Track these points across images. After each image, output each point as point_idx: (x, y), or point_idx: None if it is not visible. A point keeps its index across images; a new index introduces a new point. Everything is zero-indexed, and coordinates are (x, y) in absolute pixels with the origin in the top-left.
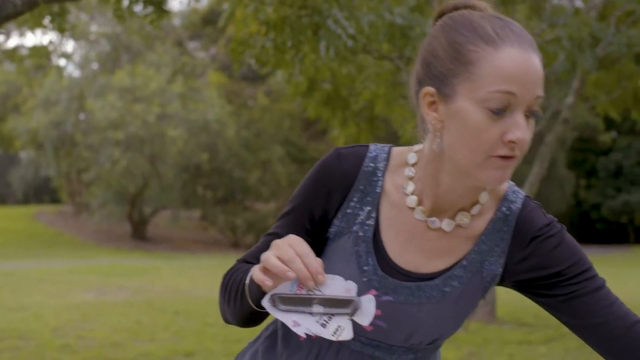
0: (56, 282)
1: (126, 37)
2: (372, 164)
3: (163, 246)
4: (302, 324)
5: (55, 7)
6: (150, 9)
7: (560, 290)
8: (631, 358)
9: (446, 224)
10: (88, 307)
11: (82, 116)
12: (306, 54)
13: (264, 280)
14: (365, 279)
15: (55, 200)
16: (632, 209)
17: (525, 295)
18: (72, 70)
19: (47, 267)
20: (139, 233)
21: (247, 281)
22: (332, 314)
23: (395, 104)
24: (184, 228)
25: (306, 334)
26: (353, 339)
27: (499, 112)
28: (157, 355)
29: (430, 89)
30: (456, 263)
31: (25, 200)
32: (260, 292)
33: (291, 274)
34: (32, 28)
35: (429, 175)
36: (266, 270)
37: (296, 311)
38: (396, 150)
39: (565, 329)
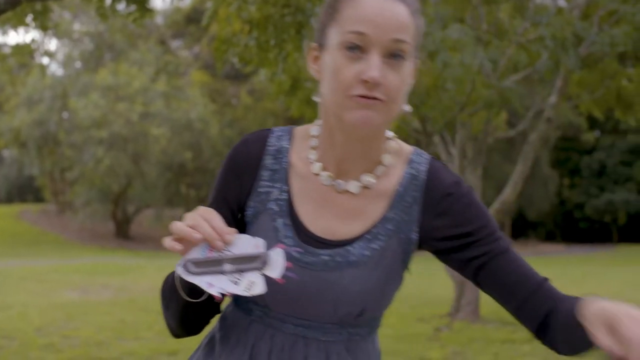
0: (40, 281)
1: (109, 36)
2: (276, 143)
3: (147, 245)
4: (216, 285)
5: (38, 6)
6: (133, 7)
7: (474, 251)
8: (543, 312)
9: (352, 186)
10: (72, 306)
11: (65, 115)
12: (289, 52)
13: (174, 246)
14: (287, 250)
15: (38, 199)
16: (615, 208)
17: (446, 263)
18: (55, 69)
19: (30, 266)
20: (123, 232)
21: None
22: (243, 271)
23: None
24: (167, 227)
25: (220, 294)
26: (284, 321)
27: (353, 50)
28: (141, 354)
29: (313, 44)
30: (372, 226)
31: (9, 199)
32: (185, 281)
33: (197, 235)
34: (14, 26)
35: (327, 138)
36: (177, 240)
37: (209, 272)
38: (300, 127)
39: None
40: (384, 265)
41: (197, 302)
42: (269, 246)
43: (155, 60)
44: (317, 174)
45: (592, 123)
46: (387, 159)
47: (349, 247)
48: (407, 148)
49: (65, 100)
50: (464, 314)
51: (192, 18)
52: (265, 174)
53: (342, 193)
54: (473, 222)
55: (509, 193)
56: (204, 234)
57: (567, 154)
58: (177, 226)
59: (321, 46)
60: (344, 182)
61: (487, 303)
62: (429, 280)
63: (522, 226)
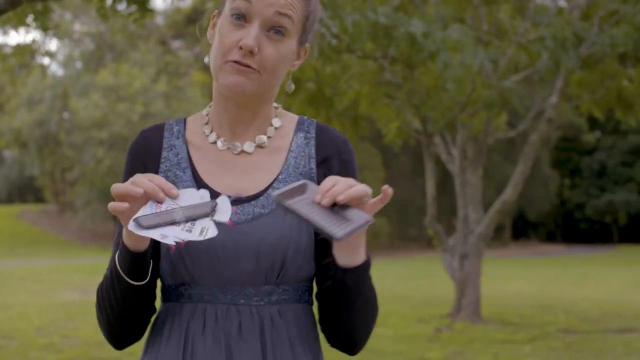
0: (40, 281)
1: (110, 36)
2: (172, 129)
3: None
4: (170, 235)
5: (39, 6)
6: (133, 7)
7: None
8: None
9: (247, 146)
10: (72, 306)
11: (65, 115)
12: None
13: (119, 206)
14: None
15: (39, 199)
16: (615, 209)
17: None
18: (56, 69)
19: (30, 266)
20: None
21: (116, 255)
22: (195, 219)
23: (379, 103)
24: None
25: (175, 242)
26: (212, 294)
27: (238, 19)
28: None
29: (216, 11)
30: (274, 179)
31: (9, 199)
32: (130, 257)
33: (138, 189)
34: (15, 26)
35: (218, 105)
36: (120, 200)
37: (161, 225)
38: (193, 115)
39: (549, 328)
40: None
41: (139, 286)
42: None
43: (156, 61)
44: (213, 142)
45: (593, 123)
46: (276, 122)
47: (256, 202)
48: (294, 115)
49: (65, 100)
50: (465, 314)
51: (193, 18)
52: (166, 155)
53: (239, 154)
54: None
55: (509, 193)
56: (147, 188)
57: (567, 154)
58: (120, 186)
59: (219, 13)
60: (239, 144)
61: (489, 303)
62: (429, 280)
63: (523, 226)
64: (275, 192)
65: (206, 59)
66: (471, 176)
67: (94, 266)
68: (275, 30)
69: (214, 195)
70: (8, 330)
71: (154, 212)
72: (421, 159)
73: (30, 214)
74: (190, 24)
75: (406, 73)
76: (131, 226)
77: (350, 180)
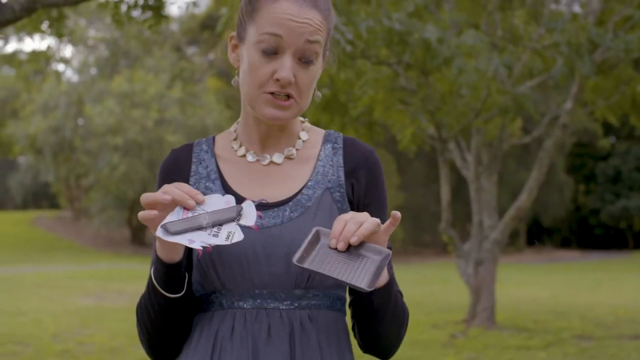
0: (55, 288)
1: (124, 42)
2: (201, 145)
3: None
4: (197, 240)
5: (54, 12)
6: (148, 14)
7: None
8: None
9: (276, 157)
10: (87, 312)
11: (80, 121)
12: None
13: (148, 214)
14: None
15: (54, 205)
16: (630, 215)
17: None
18: (71, 76)
19: (45, 272)
20: (138, 238)
21: (152, 269)
22: (221, 224)
23: (394, 110)
24: None
25: (202, 247)
26: (242, 299)
27: (268, 53)
28: None
29: (233, 33)
30: (303, 186)
31: (24, 205)
32: (165, 269)
33: (167, 196)
34: (30, 33)
35: (247, 121)
36: (149, 208)
37: (188, 230)
38: (222, 132)
39: (564, 334)
40: (321, 217)
41: (176, 299)
42: None
43: (170, 67)
44: (242, 155)
45: (608, 129)
46: (304, 135)
47: (285, 206)
48: (321, 129)
49: (80, 106)
50: (480, 320)
51: (207, 25)
52: (195, 169)
53: (268, 165)
54: (374, 194)
55: (524, 199)
56: (175, 196)
57: (582, 160)
58: (148, 195)
59: (240, 38)
60: (268, 155)
61: (503, 309)
62: (443, 286)
63: (538, 232)
64: (295, 258)
65: (234, 82)
66: (486, 182)
67: (108, 272)
68: (306, 57)
69: (239, 201)
70: (23, 337)
71: (181, 218)
72: (436, 165)
73: (45, 220)
74: (205, 30)
75: (421, 79)
76: (159, 232)
77: (359, 217)
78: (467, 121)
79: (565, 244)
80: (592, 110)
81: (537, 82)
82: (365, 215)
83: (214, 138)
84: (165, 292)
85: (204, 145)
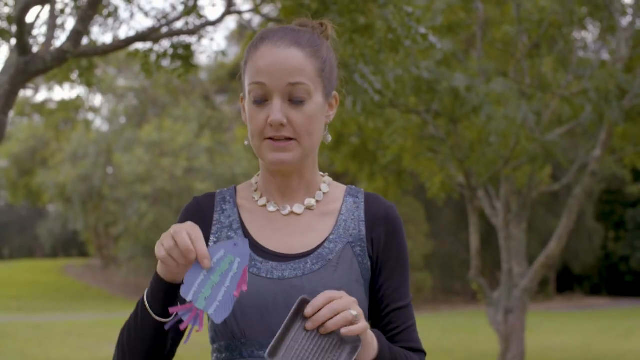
0: (84, 336)
1: (153, 91)
2: (224, 195)
3: None
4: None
5: (84, 62)
6: (177, 63)
7: (379, 278)
8: None
9: (297, 208)
10: None
11: (109, 170)
12: None
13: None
14: (252, 269)
15: (83, 253)
16: None
17: None
18: (100, 124)
19: (74, 320)
20: None
21: (146, 290)
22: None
23: (423, 158)
24: None
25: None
26: (262, 347)
27: (259, 102)
28: None
29: (242, 94)
30: (325, 240)
31: (54, 253)
32: (163, 286)
33: (192, 255)
34: (60, 82)
35: (265, 176)
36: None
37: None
38: (243, 183)
39: None
40: (342, 270)
41: (160, 324)
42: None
43: (198, 116)
44: (263, 205)
45: (636, 175)
46: (324, 187)
47: (307, 258)
48: (343, 185)
49: (109, 155)
50: None
51: (236, 73)
52: (217, 218)
53: (289, 215)
54: (393, 251)
55: (553, 247)
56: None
57: (611, 206)
58: (160, 249)
59: (243, 95)
60: (289, 206)
61: (533, 357)
62: (473, 335)
63: (567, 280)
64: (267, 351)
65: (246, 142)
66: (515, 230)
67: None
68: (296, 99)
69: (260, 250)
70: None
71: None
72: (465, 212)
73: (74, 268)
74: (234, 79)
75: (449, 127)
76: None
77: (339, 303)
78: (496, 169)
79: (595, 291)
80: (621, 157)
81: (565, 129)
82: (347, 302)
83: (235, 188)
84: (153, 312)
85: (226, 195)
